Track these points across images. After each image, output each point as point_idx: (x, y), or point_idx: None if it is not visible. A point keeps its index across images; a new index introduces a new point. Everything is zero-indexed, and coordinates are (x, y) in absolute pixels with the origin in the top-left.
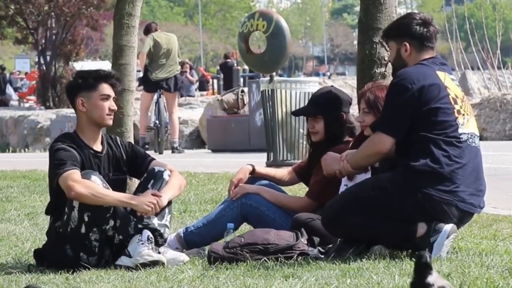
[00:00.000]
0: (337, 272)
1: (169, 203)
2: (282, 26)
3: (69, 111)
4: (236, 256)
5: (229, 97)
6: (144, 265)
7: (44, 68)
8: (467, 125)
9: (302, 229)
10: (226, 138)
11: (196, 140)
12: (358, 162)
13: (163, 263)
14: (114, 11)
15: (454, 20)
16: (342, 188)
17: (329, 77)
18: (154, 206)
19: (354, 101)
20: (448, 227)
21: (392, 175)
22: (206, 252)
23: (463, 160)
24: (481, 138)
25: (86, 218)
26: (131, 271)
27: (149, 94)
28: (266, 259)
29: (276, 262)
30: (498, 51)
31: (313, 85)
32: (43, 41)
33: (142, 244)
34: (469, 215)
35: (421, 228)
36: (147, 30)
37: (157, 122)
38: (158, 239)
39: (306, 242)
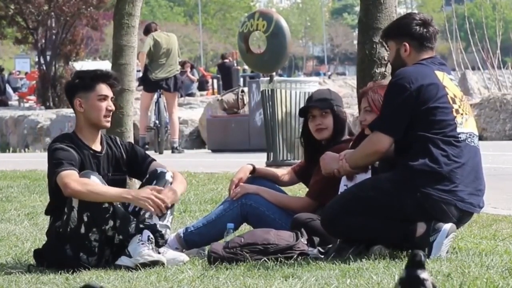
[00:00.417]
0: (337, 272)
1: (172, 204)
2: (282, 26)
3: (69, 111)
4: (236, 256)
5: (229, 97)
6: (144, 265)
7: (44, 68)
8: (466, 125)
9: (302, 229)
10: (226, 138)
11: (196, 140)
12: (357, 161)
13: (163, 263)
14: (114, 11)
15: (454, 20)
16: (342, 189)
17: (329, 77)
18: (152, 200)
19: (354, 101)
20: (447, 226)
21: (391, 175)
22: (206, 252)
23: (462, 159)
24: (481, 138)
25: (85, 218)
26: (131, 271)
27: (149, 94)
28: (266, 259)
29: (276, 262)
30: (498, 51)
31: (313, 85)
32: (43, 41)
33: (143, 244)
34: (468, 214)
35: (421, 228)
36: (147, 30)
37: (157, 122)
38: (159, 240)
39: (306, 242)
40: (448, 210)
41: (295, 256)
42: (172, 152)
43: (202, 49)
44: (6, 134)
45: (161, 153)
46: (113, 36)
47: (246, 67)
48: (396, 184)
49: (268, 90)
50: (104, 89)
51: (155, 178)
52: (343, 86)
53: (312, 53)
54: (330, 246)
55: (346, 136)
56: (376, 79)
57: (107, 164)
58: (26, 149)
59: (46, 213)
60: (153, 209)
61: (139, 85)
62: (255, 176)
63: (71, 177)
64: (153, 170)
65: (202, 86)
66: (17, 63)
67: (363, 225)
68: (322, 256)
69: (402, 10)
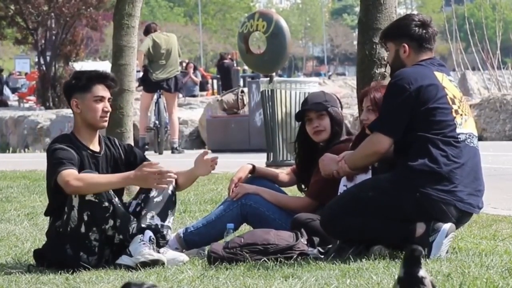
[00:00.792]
0: (337, 272)
1: (174, 204)
2: (282, 26)
3: (69, 112)
4: (236, 256)
5: (229, 97)
6: (144, 264)
7: (44, 68)
8: (465, 125)
9: (302, 229)
10: (226, 138)
11: (196, 140)
12: (356, 162)
13: (163, 263)
14: (114, 11)
15: (454, 21)
16: (341, 189)
17: (329, 78)
18: (153, 173)
19: (354, 101)
20: (446, 226)
21: (391, 175)
22: (206, 252)
23: (461, 160)
24: (481, 138)
25: (85, 218)
26: (131, 271)
27: (149, 94)
28: (266, 259)
29: (276, 262)
30: (498, 51)
31: (313, 85)
32: (43, 41)
33: (144, 244)
34: (467, 215)
35: (420, 228)
36: (147, 31)
37: (157, 122)
38: (160, 240)
39: (306, 242)
40: (448, 210)
41: (295, 256)
42: (172, 152)
43: (202, 49)
44: (6, 134)
45: (161, 153)
46: (113, 36)
47: (246, 67)
48: (396, 184)
49: (268, 91)
50: (101, 90)
51: None
52: (343, 87)
53: (312, 53)
54: (330, 246)
55: (345, 136)
56: (376, 80)
57: (105, 165)
58: (26, 150)
59: (46, 214)
60: (158, 183)
61: (139, 86)
62: (255, 176)
63: (72, 176)
64: None
65: (202, 86)
66: (17, 63)
67: (363, 225)
68: (322, 256)
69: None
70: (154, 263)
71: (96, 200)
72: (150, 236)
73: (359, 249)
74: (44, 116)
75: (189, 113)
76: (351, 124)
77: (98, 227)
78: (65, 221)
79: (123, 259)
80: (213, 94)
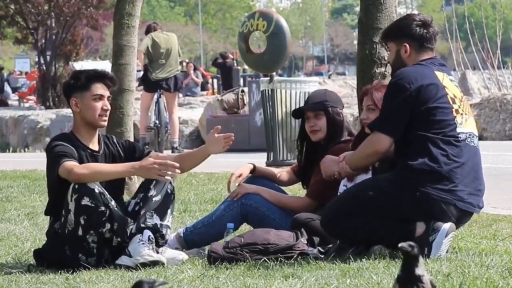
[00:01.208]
0: (337, 272)
1: (173, 203)
2: (282, 26)
3: (69, 111)
4: (236, 256)
5: (229, 97)
6: (144, 265)
7: (44, 68)
8: (466, 125)
9: (302, 229)
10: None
11: (196, 140)
12: (357, 162)
13: (163, 263)
14: (114, 11)
15: (454, 20)
16: (341, 189)
17: (329, 77)
18: (158, 164)
19: (354, 101)
20: (446, 225)
21: (391, 175)
22: (206, 252)
23: (461, 159)
24: (481, 138)
25: (82, 222)
26: (131, 271)
27: (149, 94)
28: (266, 259)
29: (276, 262)
30: (498, 51)
31: (313, 85)
32: (43, 41)
33: (143, 244)
34: (468, 214)
35: (420, 228)
36: (148, 31)
37: (157, 122)
38: (159, 240)
39: (306, 242)
40: (448, 210)
41: (295, 256)
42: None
43: (202, 49)
44: (6, 134)
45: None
46: (113, 36)
47: (246, 67)
48: (396, 183)
49: (268, 90)
50: (100, 89)
51: None
52: (343, 86)
53: (312, 53)
54: (330, 246)
55: (346, 137)
56: (376, 79)
57: (105, 163)
58: (26, 149)
59: (46, 213)
60: (162, 175)
61: (139, 85)
62: (255, 176)
63: (75, 164)
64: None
65: (202, 86)
66: (17, 63)
67: (363, 225)
68: (322, 256)
69: (402, 10)
70: (154, 263)
71: (92, 205)
72: (149, 236)
73: (359, 249)
74: (44, 116)
75: (189, 112)
76: (352, 124)
77: (95, 230)
78: (62, 224)
79: (123, 260)
80: (213, 93)
